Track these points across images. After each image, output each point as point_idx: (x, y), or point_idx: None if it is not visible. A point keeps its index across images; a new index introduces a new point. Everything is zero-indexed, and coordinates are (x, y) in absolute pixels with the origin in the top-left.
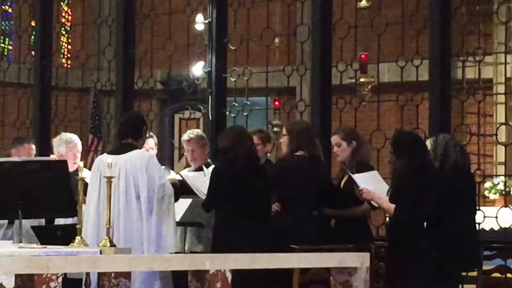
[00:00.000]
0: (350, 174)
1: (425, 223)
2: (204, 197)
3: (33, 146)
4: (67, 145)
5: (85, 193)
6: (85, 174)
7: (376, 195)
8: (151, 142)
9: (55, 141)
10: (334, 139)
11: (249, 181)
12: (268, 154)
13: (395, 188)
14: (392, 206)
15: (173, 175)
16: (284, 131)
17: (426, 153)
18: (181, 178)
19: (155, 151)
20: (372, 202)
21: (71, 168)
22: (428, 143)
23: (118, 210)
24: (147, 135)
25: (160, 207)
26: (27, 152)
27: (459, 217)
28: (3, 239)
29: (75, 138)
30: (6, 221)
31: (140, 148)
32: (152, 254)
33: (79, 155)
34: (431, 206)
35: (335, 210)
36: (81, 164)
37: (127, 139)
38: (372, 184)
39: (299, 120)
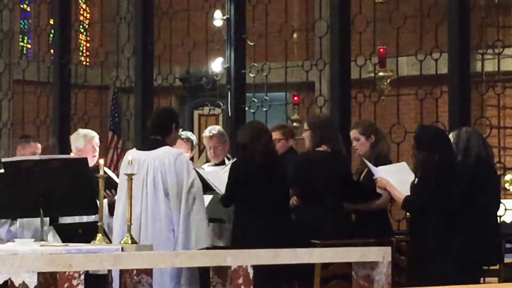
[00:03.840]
0: (366, 161)
1: (446, 216)
2: (220, 192)
3: (39, 145)
4: (85, 139)
5: (105, 190)
6: (106, 171)
7: (389, 183)
8: (187, 145)
9: (72, 137)
10: (353, 133)
11: (267, 176)
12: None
13: (417, 181)
14: (402, 196)
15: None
16: (305, 125)
17: (449, 146)
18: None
19: (191, 155)
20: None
21: (91, 162)
22: (451, 136)
23: (146, 207)
24: (184, 136)
25: (188, 205)
26: (32, 151)
27: (481, 211)
28: (7, 236)
29: (91, 131)
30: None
31: (170, 145)
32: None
33: (97, 148)
34: (453, 199)
35: (355, 204)
36: (102, 161)
37: (155, 135)
38: (397, 175)
39: (320, 114)
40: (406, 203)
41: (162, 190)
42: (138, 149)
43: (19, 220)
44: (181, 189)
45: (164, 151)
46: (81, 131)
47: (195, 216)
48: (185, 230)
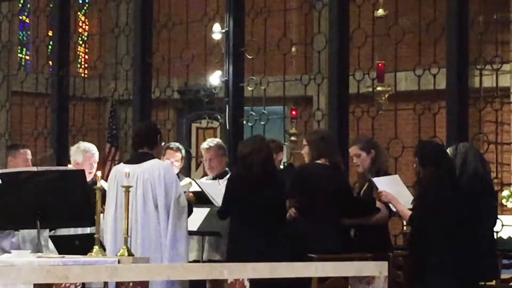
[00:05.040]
0: (370, 177)
1: (444, 232)
2: (218, 204)
3: (29, 152)
4: (84, 154)
5: (103, 203)
6: (102, 184)
7: (394, 198)
8: (178, 155)
9: (72, 149)
10: (353, 150)
11: (264, 188)
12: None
13: (419, 196)
14: (408, 212)
15: (187, 181)
16: (304, 141)
17: (450, 162)
18: (196, 190)
19: (181, 164)
20: (390, 206)
21: (88, 178)
22: (448, 152)
23: (136, 219)
24: (174, 146)
25: (175, 217)
26: (23, 158)
27: (478, 226)
28: (11, 248)
29: (92, 148)
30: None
31: (157, 157)
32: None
33: (95, 165)
34: (450, 215)
35: (354, 219)
36: (99, 174)
37: (143, 149)
38: (392, 188)
39: (318, 128)
40: (412, 218)
41: (152, 202)
42: (125, 162)
43: (20, 231)
44: (169, 200)
45: (153, 164)
46: (82, 145)
47: (180, 230)
48: (170, 243)
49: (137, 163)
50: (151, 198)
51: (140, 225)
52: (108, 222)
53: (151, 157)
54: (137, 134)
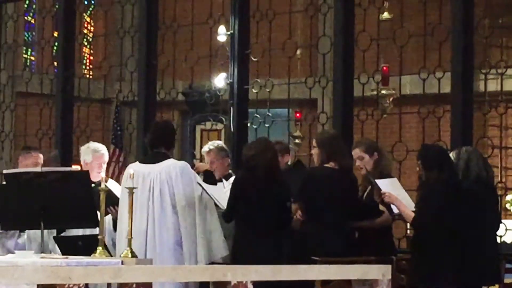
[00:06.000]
0: (370, 177)
1: (446, 236)
2: (223, 207)
3: (41, 155)
4: (93, 154)
5: (106, 204)
6: (109, 184)
7: (397, 199)
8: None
9: (82, 149)
10: (356, 152)
11: (268, 191)
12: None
13: (422, 198)
14: (412, 214)
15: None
16: (314, 142)
17: (453, 166)
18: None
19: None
20: (393, 208)
21: (96, 178)
22: (451, 155)
23: (153, 220)
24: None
25: (203, 213)
26: (34, 161)
27: (481, 230)
28: (15, 248)
29: (102, 148)
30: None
31: (172, 157)
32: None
33: (104, 166)
34: (455, 219)
35: (358, 222)
36: (103, 175)
37: (159, 148)
38: (393, 190)
39: (328, 130)
40: (415, 221)
41: (170, 203)
42: (141, 162)
43: (26, 232)
44: (189, 201)
45: (169, 164)
46: (92, 145)
47: (211, 225)
48: (201, 240)
49: (153, 163)
50: (168, 199)
51: (158, 227)
52: (124, 222)
53: (167, 157)
54: (153, 133)
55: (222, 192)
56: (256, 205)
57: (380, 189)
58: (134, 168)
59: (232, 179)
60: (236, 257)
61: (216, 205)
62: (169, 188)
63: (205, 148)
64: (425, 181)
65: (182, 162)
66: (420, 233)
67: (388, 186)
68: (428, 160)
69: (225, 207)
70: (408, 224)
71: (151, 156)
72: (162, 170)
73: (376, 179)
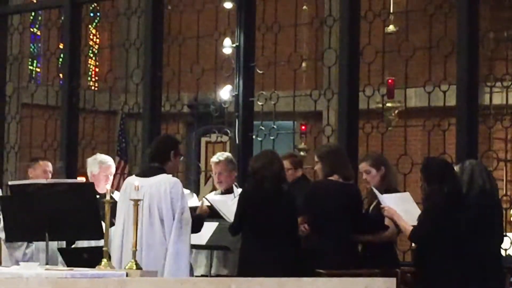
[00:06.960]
0: (376, 191)
1: (448, 249)
2: (229, 220)
3: (49, 164)
4: (100, 166)
5: (113, 215)
6: (115, 196)
7: (396, 213)
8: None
9: (89, 160)
10: (363, 166)
11: (275, 203)
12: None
13: (422, 212)
14: (410, 228)
15: (195, 200)
16: (315, 158)
17: (456, 179)
18: (209, 204)
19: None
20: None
21: (103, 190)
22: (456, 169)
23: (141, 233)
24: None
25: (177, 231)
26: (43, 169)
27: (484, 243)
28: (22, 260)
29: (109, 160)
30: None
31: (169, 172)
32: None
33: (111, 178)
34: (454, 232)
35: (362, 235)
36: (109, 187)
37: (154, 162)
38: (400, 205)
39: (327, 143)
40: (413, 234)
41: (158, 217)
42: (137, 175)
43: (34, 243)
44: (175, 215)
45: (161, 179)
46: (99, 157)
47: (182, 245)
48: (174, 255)
49: (146, 176)
50: (156, 212)
51: (145, 238)
52: (116, 234)
53: (161, 171)
54: (151, 147)
55: (228, 206)
56: (264, 218)
57: (379, 203)
58: (129, 181)
59: (236, 191)
60: (242, 269)
61: (222, 217)
62: (158, 202)
63: (214, 158)
64: (428, 194)
65: (174, 178)
66: (419, 247)
67: (396, 200)
68: (430, 173)
69: (231, 220)
70: None
71: (146, 169)
72: (153, 184)
73: (385, 194)
